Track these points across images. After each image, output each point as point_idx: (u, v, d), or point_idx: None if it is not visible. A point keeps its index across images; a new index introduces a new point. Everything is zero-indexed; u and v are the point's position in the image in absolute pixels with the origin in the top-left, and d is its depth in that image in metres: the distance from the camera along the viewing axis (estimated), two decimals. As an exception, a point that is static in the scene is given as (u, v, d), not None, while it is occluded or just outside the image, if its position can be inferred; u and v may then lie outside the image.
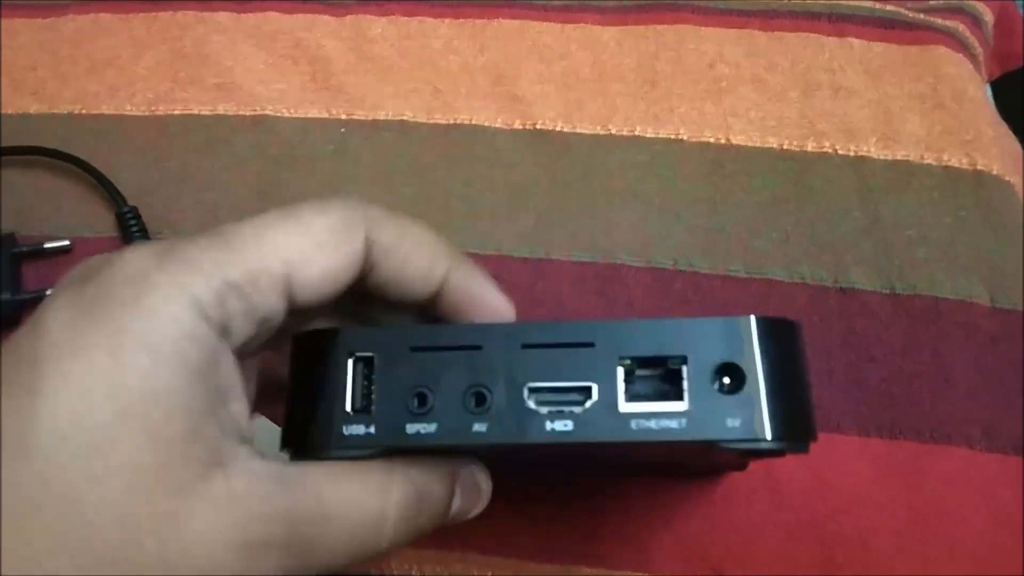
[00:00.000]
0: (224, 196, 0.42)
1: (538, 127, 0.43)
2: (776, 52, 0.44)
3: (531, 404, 0.23)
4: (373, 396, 0.24)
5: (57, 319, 0.20)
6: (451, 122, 0.43)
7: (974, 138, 0.42)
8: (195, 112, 0.44)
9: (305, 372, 0.24)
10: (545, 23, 0.46)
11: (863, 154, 0.42)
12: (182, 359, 0.20)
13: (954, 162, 0.41)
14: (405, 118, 0.44)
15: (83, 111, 0.44)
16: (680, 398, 0.23)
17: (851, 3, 0.47)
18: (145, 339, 0.19)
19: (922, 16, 0.47)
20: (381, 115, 0.44)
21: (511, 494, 0.36)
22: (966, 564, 0.35)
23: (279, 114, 0.44)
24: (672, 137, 0.43)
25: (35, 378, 0.19)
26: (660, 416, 0.23)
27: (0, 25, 0.47)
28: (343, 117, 0.44)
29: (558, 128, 0.43)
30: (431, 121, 0.44)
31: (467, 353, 0.23)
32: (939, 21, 0.46)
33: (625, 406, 0.23)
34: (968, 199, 0.41)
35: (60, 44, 0.46)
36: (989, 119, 0.43)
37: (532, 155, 0.42)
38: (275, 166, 0.43)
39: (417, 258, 0.25)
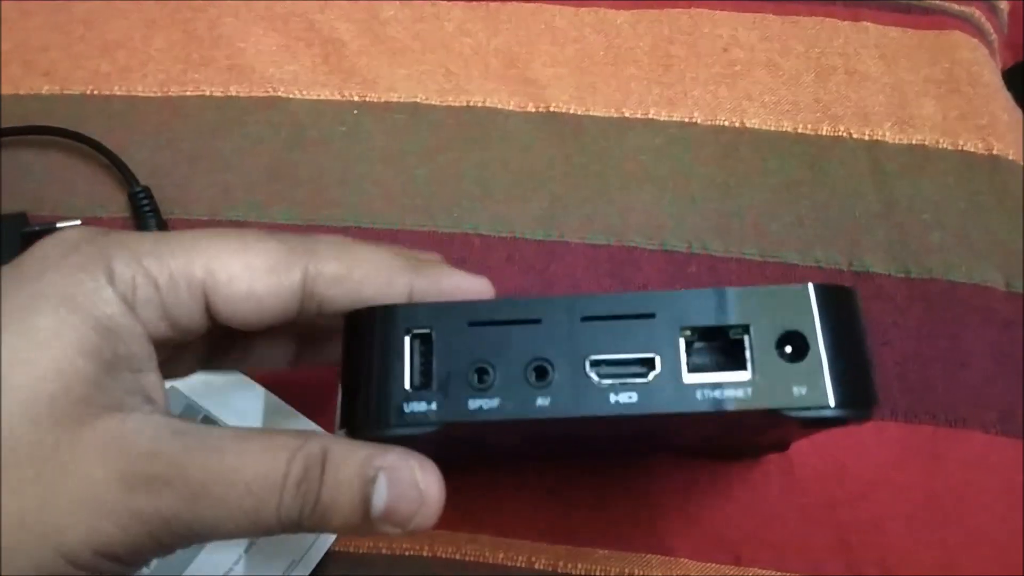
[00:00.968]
0: (236, 177, 0.42)
1: (551, 110, 0.43)
2: (791, 36, 0.44)
3: (593, 377, 0.23)
4: (432, 372, 0.23)
5: None
6: (464, 104, 0.43)
7: (989, 123, 0.42)
8: (207, 93, 0.44)
9: (361, 350, 0.24)
10: (559, 6, 0.45)
11: (878, 138, 0.42)
12: (93, 316, 0.22)
13: (969, 147, 0.41)
14: (418, 100, 0.43)
15: (95, 92, 0.44)
16: (743, 367, 0.23)
17: (866, -12, 0.47)
18: (62, 294, 0.22)
19: (938, 1, 0.46)
20: (394, 97, 0.43)
21: (522, 475, 0.36)
22: (983, 548, 0.34)
23: (292, 96, 0.44)
24: (686, 120, 0.42)
25: None
26: (725, 386, 0.22)
27: (14, 6, 0.47)
28: (356, 99, 0.44)
29: (571, 111, 0.43)
30: (444, 103, 0.43)
31: (527, 327, 0.23)
32: (955, 6, 0.46)
33: (689, 376, 0.23)
34: (983, 183, 0.41)
35: (72, 25, 0.46)
36: (1004, 104, 0.43)
37: (545, 138, 0.42)
38: (287, 147, 0.43)
39: (373, 280, 0.25)
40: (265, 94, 0.44)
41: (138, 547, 0.22)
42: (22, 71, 0.45)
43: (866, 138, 0.42)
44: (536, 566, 0.35)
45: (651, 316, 0.23)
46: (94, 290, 0.22)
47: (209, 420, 0.36)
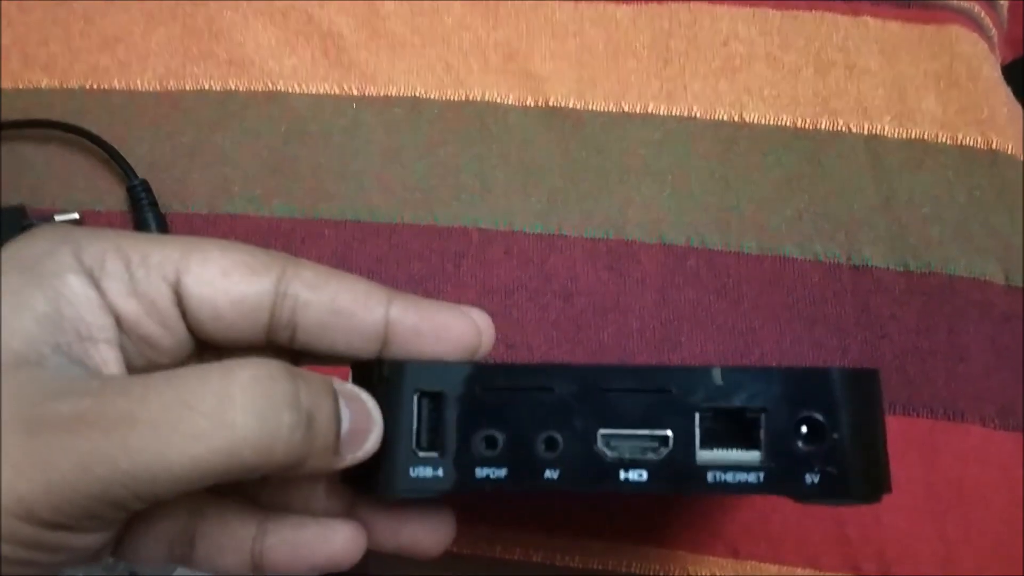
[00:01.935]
0: (236, 171, 0.42)
1: (551, 104, 0.43)
2: (790, 30, 0.44)
3: (604, 450, 0.22)
4: (440, 436, 0.23)
5: None
6: (463, 98, 0.43)
7: (989, 117, 0.42)
8: (207, 88, 0.44)
9: None
10: (558, 0, 0.45)
11: (877, 133, 0.42)
12: (37, 273, 0.22)
13: (969, 141, 0.41)
14: (417, 94, 0.43)
15: (94, 86, 0.44)
16: (757, 447, 0.22)
17: (866, -18, 0.47)
18: (16, 257, 0.22)
19: (937, -4, 0.46)
20: (393, 91, 0.43)
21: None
22: (981, 541, 0.35)
23: (291, 90, 0.44)
24: (686, 115, 0.42)
25: None
26: (737, 469, 0.22)
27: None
28: (355, 93, 0.44)
29: (571, 105, 0.43)
30: (443, 98, 0.43)
31: (539, 394, 0.23)
32: (955, 1, 0.46)
33: (701, 455, 0.22)
34: (983, 178, 0.40)
35: (72, 19, 0.46)
36: (1004, 98, 0.43)
37: (545, 132, 0.42)
38: (286, 142, 0.43)
39: (349, 290, 0.24)
40: (264, 88, 0.44)
41: (67, 506, 0.19)
42: (21, 65, 0.45)
43: (865, 132, 0.42)
44: (533, 559, 0.35)
45: (667, 391, 0.22)
46: (48, 253, 0.22)
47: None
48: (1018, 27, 0.52)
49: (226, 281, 0.24)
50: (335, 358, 0.25)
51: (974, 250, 0.39)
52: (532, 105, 0.43)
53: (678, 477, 0.22)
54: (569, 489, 0.22)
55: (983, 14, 0.47)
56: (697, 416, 0.22)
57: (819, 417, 0.22)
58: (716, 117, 0.42)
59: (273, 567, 0.25)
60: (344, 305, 0.24)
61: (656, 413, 0.22)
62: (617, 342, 0.38)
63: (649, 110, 0.43)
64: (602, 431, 0.22)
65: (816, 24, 0.44)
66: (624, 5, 0.45)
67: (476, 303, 0.26)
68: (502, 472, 0.22)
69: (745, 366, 0.23)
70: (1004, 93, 0.43)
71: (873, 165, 0.41)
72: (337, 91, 0.44)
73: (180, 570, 0.33)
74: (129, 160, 0.41)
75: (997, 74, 0.44)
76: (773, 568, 0.35)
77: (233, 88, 0.44)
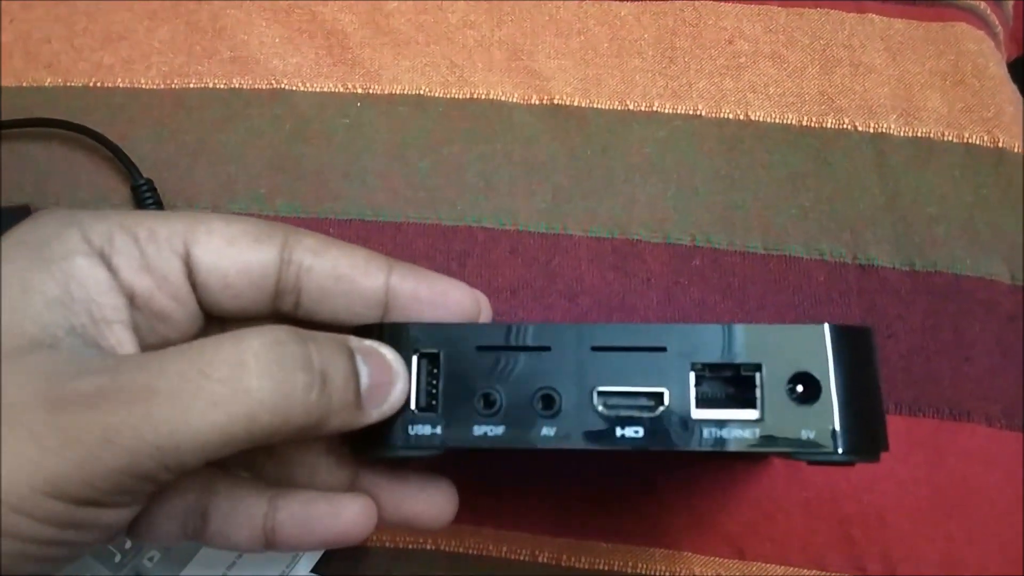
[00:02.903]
0: (240, 169, 0.42)
1: (555, 102, 0.43)
2: (795, 28, 0.44)
3: (600, 408, 0.23)
4: (438, 395, 0.23)
5: None
6: (468, 96, 0.43)
7: (995, 115, 0.42)
8: (211, 86, 0.44)
9: None
10: (563, -2, 0.45)
11: (883, 131, 0.41)
12: (45, 258, 0.22)
13: (975, 139, 0.41)
14: (421, 92, 0.43)
15: (98, 84, 0.44)
16: (752, 406, 0.22)
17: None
18: (23, 239, 0.22)
19: (943, -7, 0.46)
20: (397, 89, 0.43)
21: (525, 470, 0.36)
22: (986, 541, 0.35)
23: (295, 88, 0.44)
24: (691, 113, 0.42)
25: None
26: (732, 425, 0.22)
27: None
28: (359, 91, 0.43)
29: (576, 103, 0.43)
30: (447, 96, 0.43)
31: (536, 354, 0.23)
32: (960, -1, 0.46)
33: (697, 412, 0.22)
34: (989, 176, 0.40)
35: (75, 17, 0.46)
36: (1010, 97, 0.43)
37: (549, 130, 0.42)
38: (291, 140, 0.43)
39: (349, 258, 0.25)
40: (268, 86, 0.44)
41: (98, 480, 0.20)
42: (24, 63, 0.45)
43: (871, 131, 0.41)
44: (539, 559, 0.35)
45: (662, 349, 0.23)
46: (54, 235, 0.22)
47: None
48: (1023, 24, 0.52)
49: (232, 250, 0.24)
50: (338, 326, 0.25)
51: (980, 249, 0.39)
52: (537, 103, 0.43)
53: (674, 434, 0.22)
54: (566, 447, 0.23)
55: (989, 11, 0.46)
56: (692, 373, 0.23)
57: (814, 373, 0.22)
58: (721, 115, 0.42)
59: (284, 542, 0.25)
60: (346, 271, 0.25)
61: (652, 371, 0.23)
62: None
63: (654, 108, 0.42)
64: (598, 388, 0.23)
65: (821, 22, 0.44)
66: (628, 3, 0.45)
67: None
68: (499, 429, 0.23)
69: (739, 323, 0.23)
70: (1010, 91, 0.43)
71: (879, 163, 0.41)
72: (341, 89, 0.43)
73: (187, 569, 0.33)
74: (133, 159, 0.41)
75: (1003, 72, 0.44)
76: (779, 569, 0.35)
77: (237, 86, 0.44)
